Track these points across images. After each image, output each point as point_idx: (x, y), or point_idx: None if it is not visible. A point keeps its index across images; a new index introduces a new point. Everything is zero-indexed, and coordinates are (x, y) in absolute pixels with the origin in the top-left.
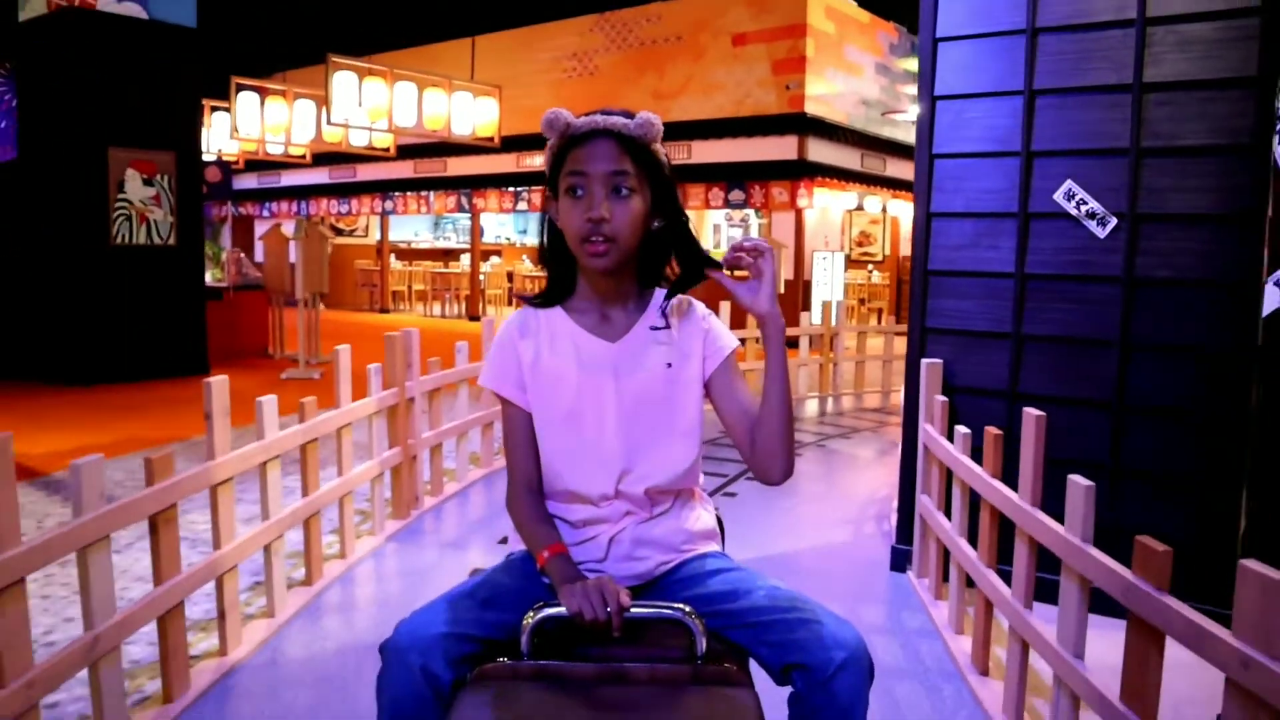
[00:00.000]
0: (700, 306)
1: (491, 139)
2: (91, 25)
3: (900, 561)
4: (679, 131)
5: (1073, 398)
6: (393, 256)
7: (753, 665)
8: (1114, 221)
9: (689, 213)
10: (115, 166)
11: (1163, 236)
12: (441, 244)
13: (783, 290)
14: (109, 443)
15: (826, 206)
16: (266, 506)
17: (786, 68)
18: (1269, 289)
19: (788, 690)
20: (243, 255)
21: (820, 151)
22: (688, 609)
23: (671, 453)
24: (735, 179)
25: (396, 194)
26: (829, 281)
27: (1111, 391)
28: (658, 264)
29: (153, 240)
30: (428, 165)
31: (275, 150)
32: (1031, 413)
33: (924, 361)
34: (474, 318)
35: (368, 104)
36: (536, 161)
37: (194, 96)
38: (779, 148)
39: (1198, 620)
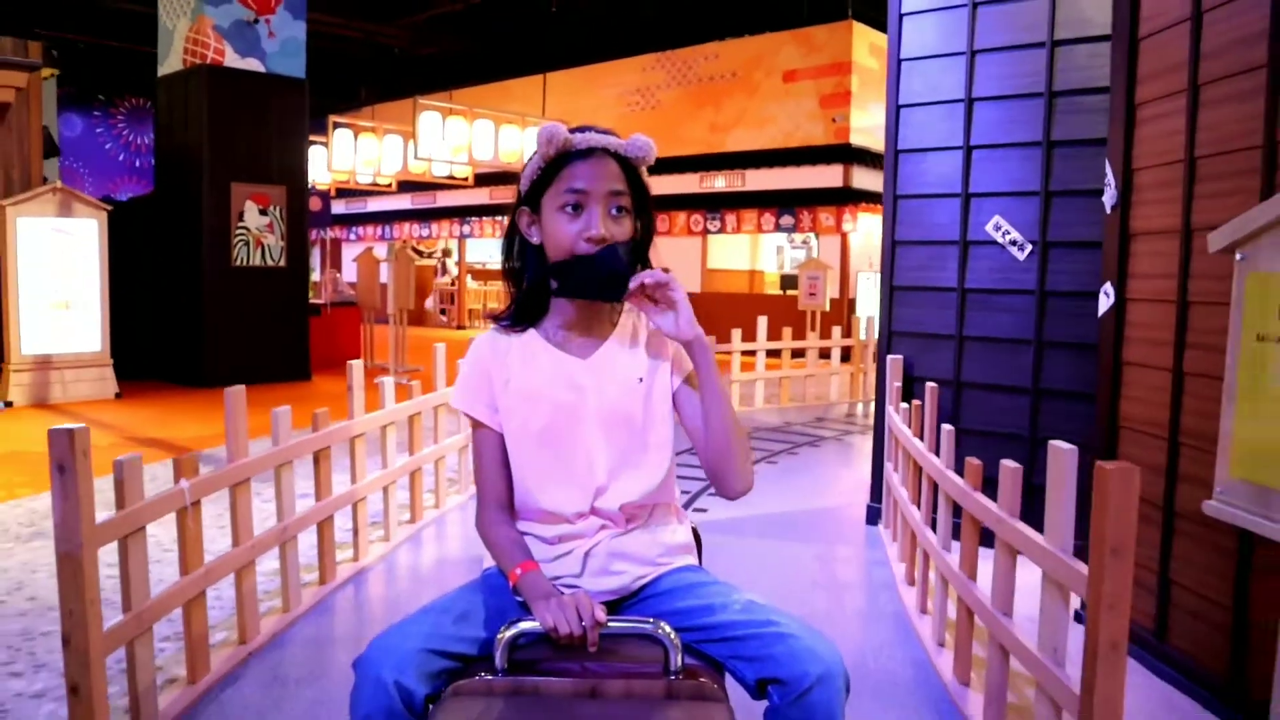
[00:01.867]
0: None
1: None
2: (219, 78)
3: (874, 516)
4: (734, 161)
5: (1002, 385)
6: (469, 277)
7: (729, 680)
8: (1030, 247)
9: (745, 235)
10: (237, 199)
11: (1066, 259)
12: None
13: (828, 308)
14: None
15: (870, 230)
16: (385, 458)
17: (833, 102)
18: (1101, 296)
19: (764, 705)
20: (338, 275)
21: (864, 179)
22: (662, 624)
23: (646, 467)
24: (786, 205)
25: (473, 219)
26: (872, 299)
27: (1030, 379)
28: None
29: (266, 262)
30: (502, 192)
31: (364, 180)
32: (932, 387)
33: (889, 357)
34: None
35: (450, 140)
36: None
37: (302, 137)
38: (825, 176)
39: (1027, 532)
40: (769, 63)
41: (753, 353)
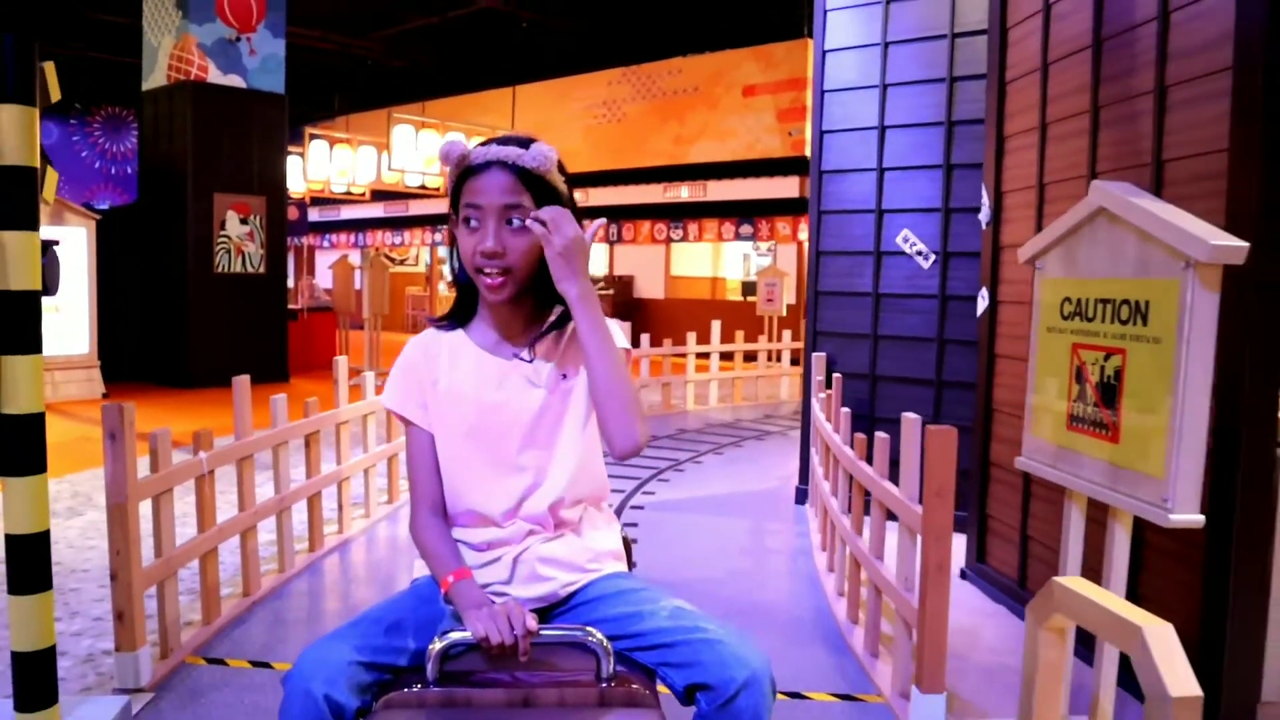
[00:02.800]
0: None
1: None
2: (203, 94)
3: (802, 497)
4: (696, 172)
5: (910, 377)
6: (441, 284)
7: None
8: (934, 257)
9: (707, 243)
10: (219, 208)
11: (964, 267)
12: None
13: (784, 314)
14: (216, 428)
15: None
16: (366, 444)
17: (790, 116)
18: (979, 300)
19: (693, 711)
20: (315, 282)
21: None
22: (594, 632)
23: (573, 465)
24: (745, 214)
25: (445, 227)
26: None
27: (934, 372)
28: (547, 288)
29: (247, 269)
30: None
31: (338, 189)
32: (837, 378)
33: (814, 355)
34: None
35: (423, 151)
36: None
37: (281, 149)
38: (783, 187)
39: (888, 487)
40: (729, 78)
41: (707, 355)
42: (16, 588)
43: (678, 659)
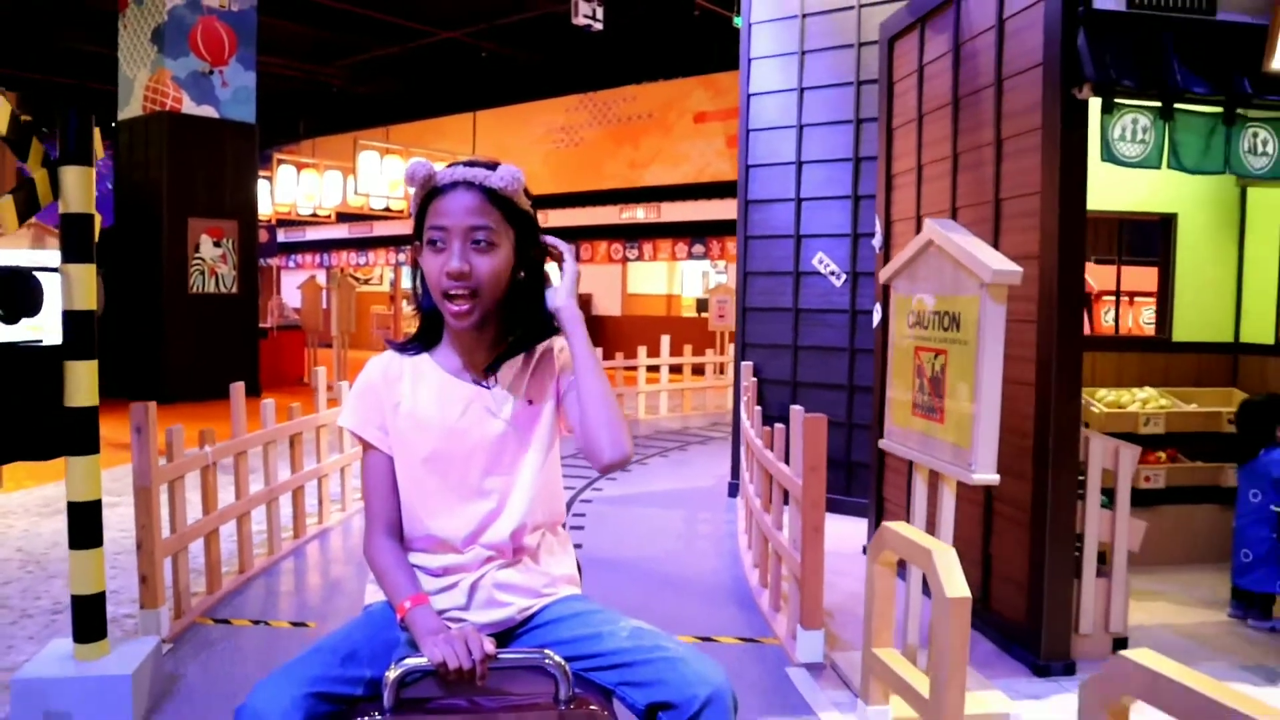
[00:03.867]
0: (558, 340)
1: None
2: (176, 123)
3: (734, 490)
4: (651, 195)
5: (826, 383)
6: (405, 302)
7: (618, 706)
8: (845, 276)
9: (662, 262)
10: (193, 232)
11: (870, 285)
12: None
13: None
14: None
15: None
16: (343, 446)
17: (738, 141)
18: (875, 313)
19: None
20: (284, 301)
21: None
22: (551, 655)
23: (534, 492)
24: (698, 235)
25: (408, 247)
26: None
27: (846, 378)
28: (521, 312)
29: (220, 289)
30: None
31: (304, 211)
32: (753, 380)
33: (743, 364)
34: None
35: (387, 176)
36: None
37: (253, 175)
38: (732, 209)
39: (781, 467)
40: (681, 105)
41: (657, 368)
42: (76, 544)
43: (638, 678)
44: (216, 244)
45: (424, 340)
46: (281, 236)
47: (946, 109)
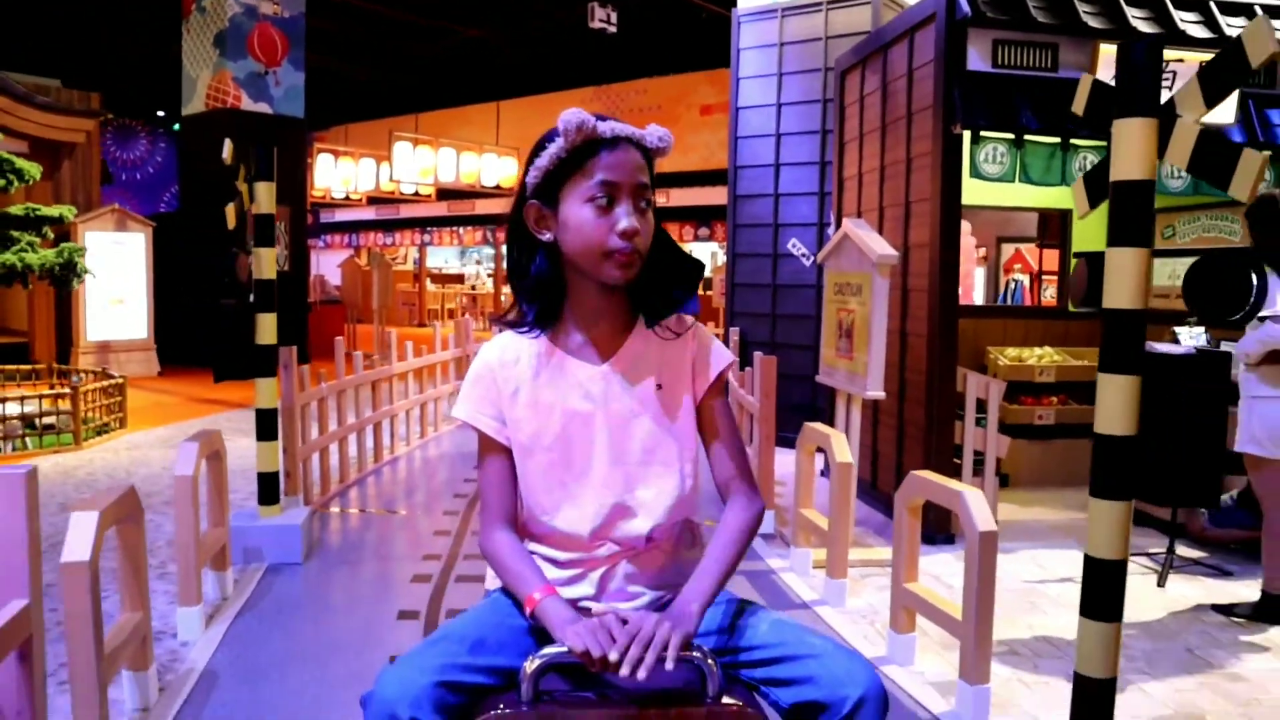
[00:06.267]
0: (689, 319)
1: (513, 189)
2: (236, 118)
3: None
4: (660, 181)
5: (798, 344)
6: (428, 280)
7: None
8: (812, 258)
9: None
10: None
11: None
12: (468, 269)
13: None
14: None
15: None
16: (407, 391)
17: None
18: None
19: None
20: (325, 277)
21: None
22: (700, 648)
23: (666, 482)
24: (703, 219)
25: (433, 229)
26: None
27: (813, 340)
28: (648, 283)
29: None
30: (459, 205)
31: (338, 195)
32: (735, 339)
33: (731, 329)
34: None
35: (418, 164)
36: None
37: (302, 164)
38: None
39: (747, 396)
40: (689, 98)
41: None
42: (262, 437)
43: (785, 675)
44: None
45: (544, 319)
46: (311, 218)
47: (877, 131)
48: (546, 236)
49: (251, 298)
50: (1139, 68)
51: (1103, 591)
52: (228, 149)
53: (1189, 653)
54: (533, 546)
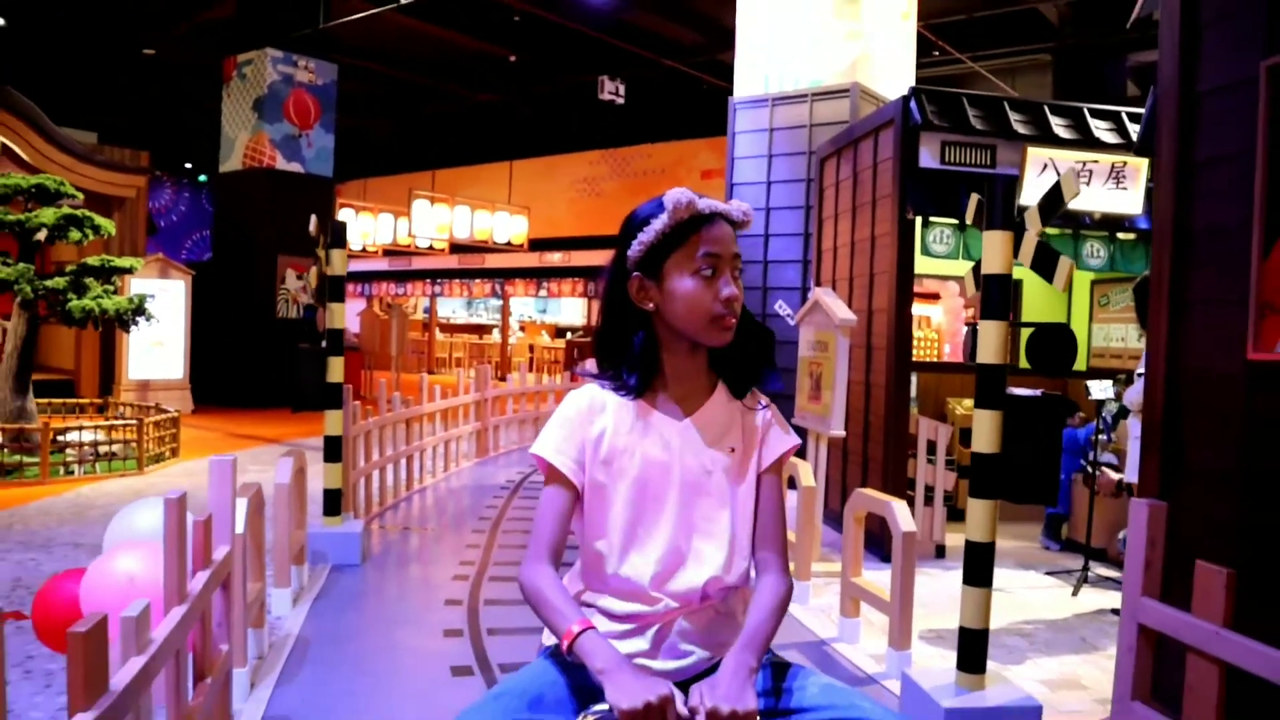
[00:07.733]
0: (763, 396)
1: (522, 245)
2: (270, 177)
3: None
4: None
5: (786, 394)
6: (437, 330)
7: None
8: (795, 318)
9: None
10: (281, 267)
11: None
12: (475, 320)
13: None
14: (280, 434)
15: None
16: (434, 430)
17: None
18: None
19: None
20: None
21: None
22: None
23: (724, 539)
24: None
25: (444, 280)
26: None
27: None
28: (733, 351)
29: (299, 315)
30: (469, 259)
31: (356, 247)
32: None
33: None
34: (503, 379)
35: (435, 220)
36: (555, 258)
37: (329, 218)
38: None
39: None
40: (690, 162)
41: None
42: (329, 459)
43: None
44: (299, 277)
45: (644, 385)
46: None
47: (849, 211)
48: (649, 306)
49: (323, 344)
50: (999, 196)
51: (978, 565)
52: (314, 224)
53: (1082, 640)
54: (590, 598)
